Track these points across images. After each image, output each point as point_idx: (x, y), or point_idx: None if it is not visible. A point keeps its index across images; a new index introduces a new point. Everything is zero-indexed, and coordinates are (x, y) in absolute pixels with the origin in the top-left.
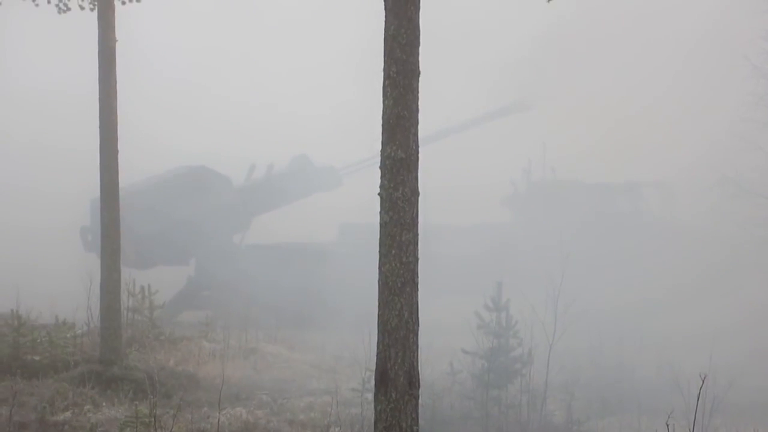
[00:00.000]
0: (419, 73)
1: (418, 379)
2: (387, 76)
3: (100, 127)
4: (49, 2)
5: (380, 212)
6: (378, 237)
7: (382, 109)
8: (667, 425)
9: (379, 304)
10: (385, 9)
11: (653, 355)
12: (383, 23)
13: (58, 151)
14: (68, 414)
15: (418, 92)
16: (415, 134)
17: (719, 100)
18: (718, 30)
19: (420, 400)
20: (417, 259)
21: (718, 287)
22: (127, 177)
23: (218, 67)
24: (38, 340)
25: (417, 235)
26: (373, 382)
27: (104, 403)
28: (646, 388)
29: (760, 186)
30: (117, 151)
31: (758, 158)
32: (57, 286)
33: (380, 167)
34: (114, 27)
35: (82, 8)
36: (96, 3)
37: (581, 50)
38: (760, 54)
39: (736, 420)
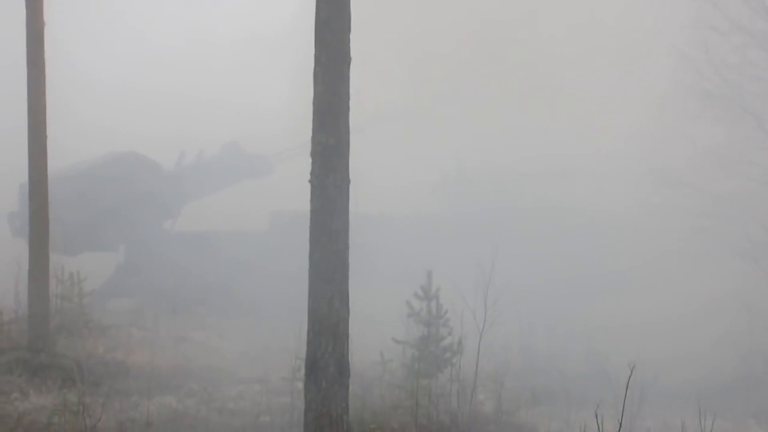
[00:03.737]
0: (350, 59)
1: (348, 367)
2: (318, 62)
3: (28, 111)
4: None
5: (311, 199)
6: (308, 224)
7: (312, 95)
8: (596, 415)
9: (309, 292)
10: None
11: (582, 346)
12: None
13: None
14: None
15: (348, 78)
16: (346, 121)
17: (647, 89)
18: (645, 17)
19: (350, 389)
20: (348, 247)
21: (646, 277)
22: (56, 161)
23: (149, 51)
24: None
25: (348, 222)
26: (303, 371)
27: (32, 391)
28: (576, 378)
29: (689, 176)
30: (46, 136)
31: (687, 148)
32: None
33: (311, 154)
34: (42, 10)
35: None
36: None
37: (509, 39)
38: (688, 43)
39: (664, 410)
